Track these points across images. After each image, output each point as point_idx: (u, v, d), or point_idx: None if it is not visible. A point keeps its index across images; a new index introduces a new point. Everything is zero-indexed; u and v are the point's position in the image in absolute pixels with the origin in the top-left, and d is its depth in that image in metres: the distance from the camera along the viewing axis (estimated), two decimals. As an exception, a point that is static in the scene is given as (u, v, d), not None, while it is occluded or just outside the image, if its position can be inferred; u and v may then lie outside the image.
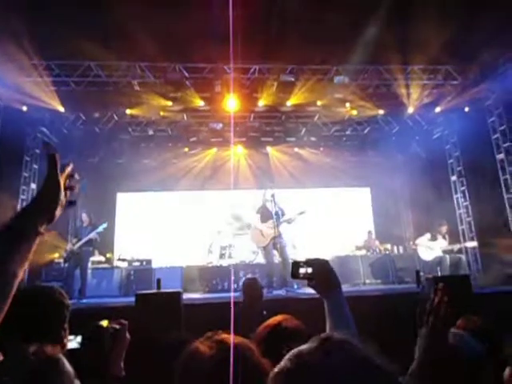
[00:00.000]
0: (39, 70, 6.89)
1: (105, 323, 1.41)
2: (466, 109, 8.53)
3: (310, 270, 1.30)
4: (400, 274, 8.02)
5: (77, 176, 1.06)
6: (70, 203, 1.04)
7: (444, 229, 7.64)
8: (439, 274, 7.03)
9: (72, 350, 1.42)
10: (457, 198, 8.96)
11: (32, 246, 0.92)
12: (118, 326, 1.41)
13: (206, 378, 0.92)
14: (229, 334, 1.03)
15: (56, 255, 8.14)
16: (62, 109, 7.84)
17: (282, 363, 0.68)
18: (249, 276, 6.85)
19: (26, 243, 0.91)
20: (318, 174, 10.07)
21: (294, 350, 0.69)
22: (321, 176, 10.11)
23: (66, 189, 1.02)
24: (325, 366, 0.63)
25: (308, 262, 1.32)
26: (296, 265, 1.33)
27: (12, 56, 6.32)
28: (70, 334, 1.48)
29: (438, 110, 8.66)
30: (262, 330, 1.64)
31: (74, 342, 1.46)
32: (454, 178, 9.13)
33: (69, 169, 1.04)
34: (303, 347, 0.70)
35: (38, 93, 7.27)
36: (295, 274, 1.32)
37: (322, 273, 1.30)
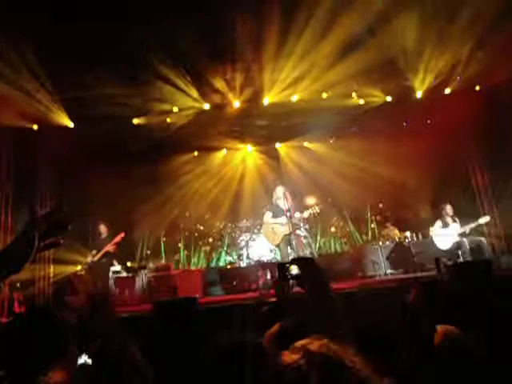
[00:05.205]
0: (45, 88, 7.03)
1: None
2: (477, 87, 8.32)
3: (296, 271, 1.26)
4: (421, 262, 7.84)
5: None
6: (54, 245, 1.05)
7: (449, 210, 7.29)
8: (461, 259, 6.87)
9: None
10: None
11: None
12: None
13: None
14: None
15: (78, 268, 8.30)
16: (71, 124, 7.99)
17: None
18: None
19: None
20: (329, 166, 9.91)
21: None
22: (332, 168, 9.93)
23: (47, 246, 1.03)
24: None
25: (293, 262, 1.27)
26: (282, 267, 1.29)
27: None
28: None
29: (447, 91, 8.45)
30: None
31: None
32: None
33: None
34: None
35: (46, 111, 7.44)
36: (283, 276, 1.28)
37: (308, 271, 1.25)
